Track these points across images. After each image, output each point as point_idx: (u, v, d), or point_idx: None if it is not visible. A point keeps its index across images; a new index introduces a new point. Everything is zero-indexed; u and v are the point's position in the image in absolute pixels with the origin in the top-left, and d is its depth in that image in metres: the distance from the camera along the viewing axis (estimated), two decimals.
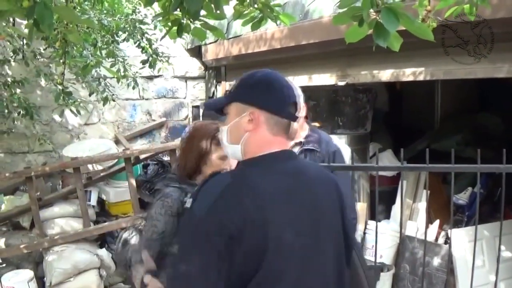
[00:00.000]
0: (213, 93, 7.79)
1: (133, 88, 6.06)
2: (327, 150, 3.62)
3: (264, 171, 1.90)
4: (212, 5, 2.13)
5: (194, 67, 8.07)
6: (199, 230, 1.77)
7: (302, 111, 2.19)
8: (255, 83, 1.98)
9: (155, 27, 5.92)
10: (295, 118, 1.98)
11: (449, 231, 4.87)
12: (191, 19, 2.48)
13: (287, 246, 1.79)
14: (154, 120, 8.03)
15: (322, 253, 1.92)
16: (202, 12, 2.35)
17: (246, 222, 1.73)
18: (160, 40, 5.64)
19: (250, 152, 1.96)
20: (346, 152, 3.80)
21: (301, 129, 3.55)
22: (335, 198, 2.04)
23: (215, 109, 2.08)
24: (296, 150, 3.46)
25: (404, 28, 2.00)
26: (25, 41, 5.12)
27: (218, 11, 2.28)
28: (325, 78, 5.30)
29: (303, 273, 1.83)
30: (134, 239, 2.77)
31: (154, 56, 5.87)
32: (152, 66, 5.84)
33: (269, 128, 1.94)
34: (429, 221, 5.25)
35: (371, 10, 1.94)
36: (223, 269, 1.71)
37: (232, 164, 3.05)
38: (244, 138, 1.95)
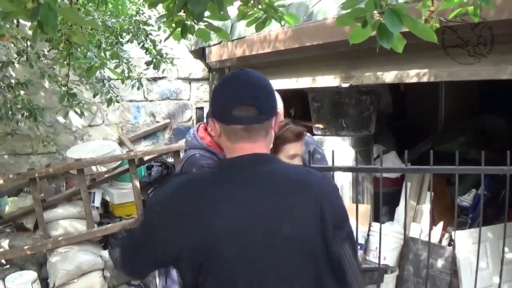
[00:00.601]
0: None
1: (138, 88, 6.06)
2: (307, 149, 3.67)
3: (217, 177, 1.91)
4: (216, 6, 2.13)
5: (198, 68, 8.08)
6: (146, 217, 2.00)
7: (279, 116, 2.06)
8: (212, 89, 2.02)
9: (159, 28, 5.92)
10: (247, 121, 1.86)
11: (453, 233, 4.86)
12: (195, 21, 2.48)
13: (226, 256, 1.78)
14: (158, 122, 8.03)
15: (280, 266, 1.80)
16: (206, 13, 2.35)
17: (180, 228, 1.82)
18: (164, 42, 5.65)
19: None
20: (350, 154, 3.82)
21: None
22: (310, 208, 1.84)
23: None
24: None
25: (407, 30, 2.00)
26: (29, 43, 5.13)
27: (222, 12, 2.27)
28: (329, 80, 5.30)
29: (251, 285, 1.80)
30: None
31: (158, 57, 5.87)
32: (156, 67, 5.84)
33: (225, 135, 1.92)
34: (433, 223, 5.25)
35: (375, 12, 1.94)
36: (153, 256, 1.90)
37: (299, 162, 3.07)
38: (219, 142, 2.01)
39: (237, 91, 1.88)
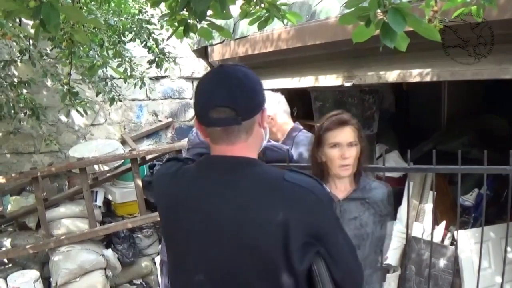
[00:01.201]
0: None
1: (140, 87, 6.07)
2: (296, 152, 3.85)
3: (189, 175, 1.94)
4: (219, 5, 2.12)
5: (200, 67, 8.09)
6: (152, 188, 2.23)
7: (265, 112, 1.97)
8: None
9: (162, 26, 5.93)
10: (224, 123, 1.81)
11: (455, 232, 4.86)
12: (197, 19, 2.48)
13: (186, 252, 1.90)
14: (160, 121, 8.05)
15: (233, 274, 1.79)
16: (209, 12, 2.34)
17: (161, 205, 2.08)
18: (167, 40, 5.65)
19: None
20: None
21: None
22: (274, 220, 1.72)
23: None
24: None
25: (411, 29, 1.99)
26: (31, 42, 5.13)
27: (224, 11, 2.27)
28: (332, 79, 5.28)
29: (176, 269, 2.01)
30: None
31: (160, 56, 5.87)
32: (158, 66, 5.85)
33: (209, 137, 1.90)
34: (436, 222, 5.24)
35: (378, 10, 1.94)
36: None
37: (348, 152, 2.98)
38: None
39: (212, 93, 1.82)
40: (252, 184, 1.81)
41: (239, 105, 1.79)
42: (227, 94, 1.80)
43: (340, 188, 3.04)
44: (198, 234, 1.81)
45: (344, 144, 2.95)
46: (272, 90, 4.22)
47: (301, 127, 4.18)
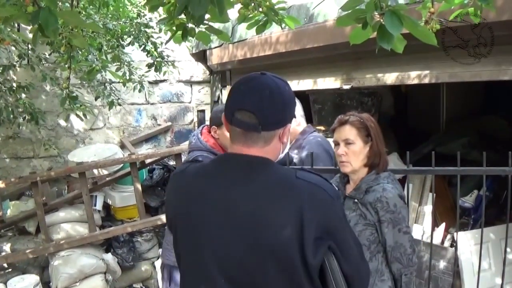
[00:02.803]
0: (218, 97, 7.81)
1: (139, 91, 6.07)
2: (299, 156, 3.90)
3: (206, 171, 2.01)
4: (217, 9, 2.12)
5: (199, 71, 8.09)
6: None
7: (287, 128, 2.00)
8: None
9: (160, 30, 5.92)
10: (245, 127, 1.87)
11: (455, 234, 4.85)
12: (195, 23, 2.48)
13: (185, 238, 1.98)
14: (159, 125, 8.04)
15: (251, 270, 1.81)
16: (207, 16, 2.35)
17: (169, 208, 2.13)
18: (165, 44, 5.65)
19: None
20: None
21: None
22: (289, 216, 1.78)
23: None
24: None
25: (408, 31, 2.00)
26: (30, 46, 5.13)
27: (222, 15, 2.27)
28: (330, 82, 5.29)
29: (188, 263, 1.99)
30: None
31: (159, 59, 5.87)
32: (157, 70, 5.84)
33: (229, 133, 1.97)
34: (435, 224, 5.24)
35: (375, 13, 1.94)
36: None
37: (342, 149, 3.07)
38: (222, 144, 2.04)
39: (244, 96, 1.90)
40: (267, 181, 1.87)
41: (263, 115, 1.86)
42: (256, 101, 1.87)
43: (351, 185, 3.15)
44: (214, 227, 1.85)
45: (340, 142, 3.08)
46: None
47: (312, 130, 4.18)
